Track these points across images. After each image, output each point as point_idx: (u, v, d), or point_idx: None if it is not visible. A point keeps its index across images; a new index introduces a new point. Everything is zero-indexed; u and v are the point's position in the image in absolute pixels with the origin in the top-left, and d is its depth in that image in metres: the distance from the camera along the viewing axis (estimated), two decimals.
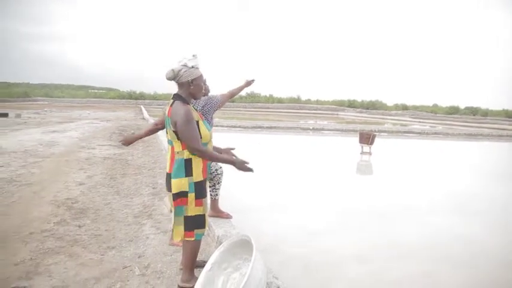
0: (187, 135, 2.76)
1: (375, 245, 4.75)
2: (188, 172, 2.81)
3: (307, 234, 4.98)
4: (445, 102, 59.19)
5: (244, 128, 20.03)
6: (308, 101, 58.08)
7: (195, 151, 2.79)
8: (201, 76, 2.91)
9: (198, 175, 2.84)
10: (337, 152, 13.80)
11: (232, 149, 3.37)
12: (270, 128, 20.72)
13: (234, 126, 20.34)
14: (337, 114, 46.30)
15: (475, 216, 6.20)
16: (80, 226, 4.34)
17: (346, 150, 13.64)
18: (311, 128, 22.56)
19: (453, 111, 50.26)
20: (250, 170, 2.94)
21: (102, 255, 3.63)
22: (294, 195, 6.99)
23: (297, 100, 58.15)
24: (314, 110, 49.98)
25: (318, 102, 57.86)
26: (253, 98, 56.53)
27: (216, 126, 13.71)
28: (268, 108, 48.54)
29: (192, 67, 2.87)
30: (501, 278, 4.22)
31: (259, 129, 20.06)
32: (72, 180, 6.47)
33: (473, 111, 49.70)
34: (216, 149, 3.29)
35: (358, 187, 8.36)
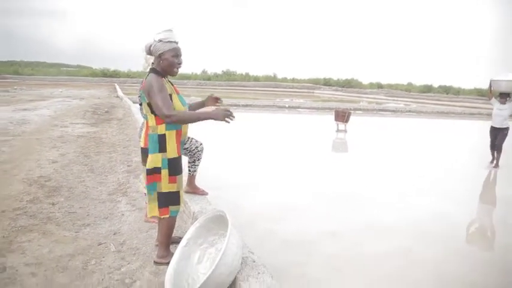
0: (156, 103, 2.67)
1: (350, 221, 4.84)
2: (162, 148, 2.78)
3: (283, 210, 5.04)
4: (419, 81, 60.02)
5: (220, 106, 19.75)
6: (284, 79, 57.99)
7: (166, 118, 2.67)
8: (169, 50, 2.77)
9: (172, 151, 2.81)
10: (313, 129, 13.90)
11: (218, 98, 3.30)
12: (246, 106, 20.65)
13: None
14: (313, 93, 46.45)
15: (451, 193, 6.31)
16: (53, 204, 4.28)
17: (322, 128, 13.76)
18: (287, 106, 22.62)
19: (427, 89, 51.15)
20: (228, 115, 2.75)
21: (76, 232, 3.60)
22: (270, 172, 7.04)
23: (273, 78, 57.94)
24: (290, 88, 49.97)
25: (294, 80, 57.83)
26: (229, 76, 56.11)
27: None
28: (244, 86, 48.11)
29: (160, 41, 2.77)
30: (475, 252, 4.41)
31: (234, 107, 19.93)
32: (45, 159, 6.34)
33: (446, 90, 50.60)
34: (197, 103, 3.29)
35: (334, 164, 8.47)
